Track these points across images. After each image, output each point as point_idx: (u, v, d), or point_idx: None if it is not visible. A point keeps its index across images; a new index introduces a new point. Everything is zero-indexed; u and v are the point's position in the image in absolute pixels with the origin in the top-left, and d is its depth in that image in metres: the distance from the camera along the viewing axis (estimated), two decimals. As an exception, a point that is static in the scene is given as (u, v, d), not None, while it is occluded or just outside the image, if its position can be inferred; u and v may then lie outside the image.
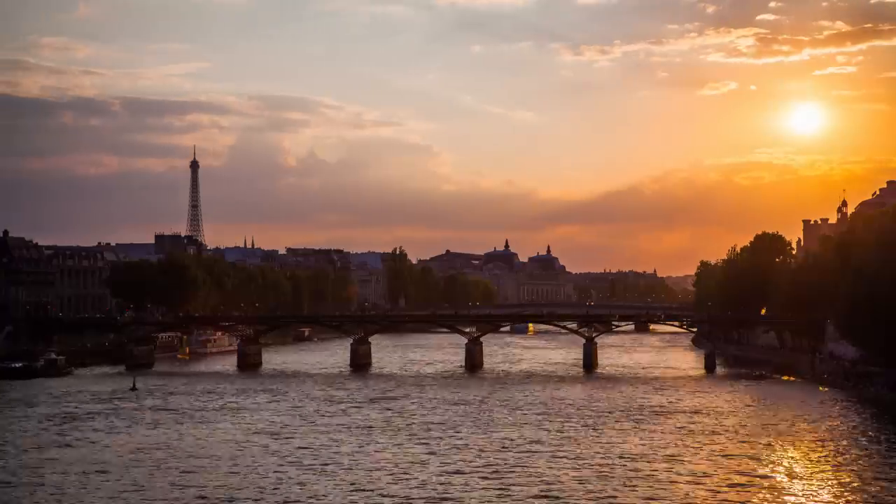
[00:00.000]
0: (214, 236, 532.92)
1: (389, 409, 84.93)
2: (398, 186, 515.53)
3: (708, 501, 49.56)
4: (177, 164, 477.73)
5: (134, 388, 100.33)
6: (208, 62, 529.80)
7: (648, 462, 59.21)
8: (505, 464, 58.42)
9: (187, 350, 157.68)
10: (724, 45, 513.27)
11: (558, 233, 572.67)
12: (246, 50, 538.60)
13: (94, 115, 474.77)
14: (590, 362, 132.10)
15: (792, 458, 61.57)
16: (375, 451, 63.17)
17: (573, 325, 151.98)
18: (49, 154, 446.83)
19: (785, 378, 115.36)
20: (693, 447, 64.78)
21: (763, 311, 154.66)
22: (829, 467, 58.32)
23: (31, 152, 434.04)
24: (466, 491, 51.19)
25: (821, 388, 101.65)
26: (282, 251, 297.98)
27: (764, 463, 59.60)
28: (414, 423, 76.37)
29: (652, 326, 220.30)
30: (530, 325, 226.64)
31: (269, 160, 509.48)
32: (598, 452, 62.41)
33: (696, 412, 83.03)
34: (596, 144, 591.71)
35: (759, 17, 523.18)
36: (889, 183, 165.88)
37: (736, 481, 53.85)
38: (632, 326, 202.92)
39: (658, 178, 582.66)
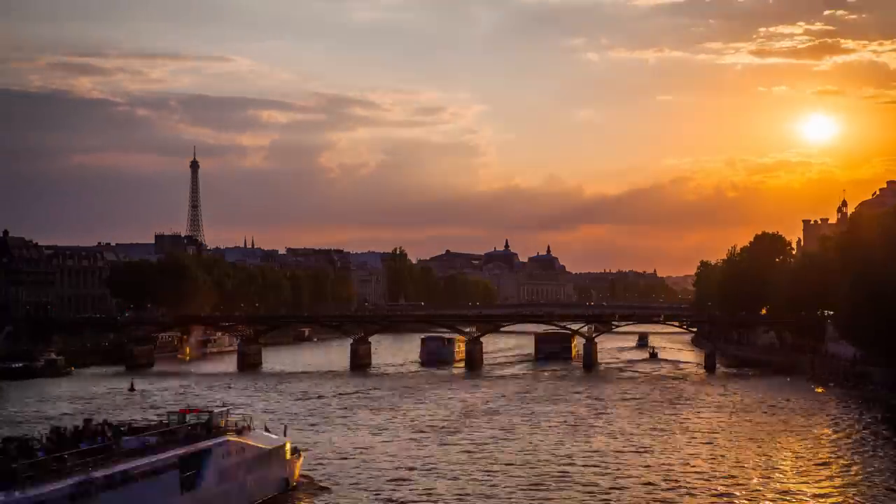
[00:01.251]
0: (244, 235, 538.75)
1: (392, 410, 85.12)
2: (439, 186, 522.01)
3: (706, 501, 49.55)
4: (230, 161, 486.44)
5: (132, 389, 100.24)
6: (269, 59, 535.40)
7: (649, 462, 59.23)
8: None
9: (188, 350, 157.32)
10: (782, 44, 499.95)
11: (595, 233, 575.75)
12: (308, 48, 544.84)
13: (150, 113, 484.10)
14: (590, 362, 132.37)
15: (790, 457, 61.50)
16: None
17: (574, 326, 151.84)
18: (97, 151, 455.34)
19: (784, 378, 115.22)
20: (691, 447, 64.78)
21: (763, 311, 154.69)
22: (827, 467, 58.28)
23: (85, 149, 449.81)
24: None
25: (819, 389, 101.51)
26: (282, 251, 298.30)
27: (762, 463, 59.54)
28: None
29: (652, 327, 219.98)
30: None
31: (314, 160, 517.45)
32: (598, 451, 62.44)
33: (696, 412, 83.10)
34: (640, 142, 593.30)
35: (826, 13, 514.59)
36: (889, 183, 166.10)
37: (733, 481, 53.81)
38: (632, 326, 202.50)
39: (689, 177, 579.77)
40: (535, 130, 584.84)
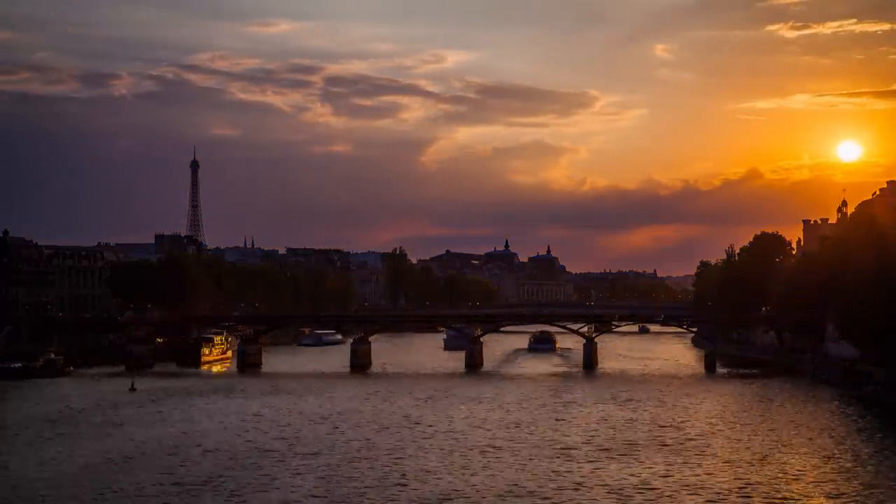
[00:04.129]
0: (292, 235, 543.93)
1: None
2: (502, 187, 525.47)
3: (705, 501, 49.59)
4: (338, 147, 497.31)
5: (133, 390, 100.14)
6: (405, 46, 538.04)
7: (650, 461, 59.28)
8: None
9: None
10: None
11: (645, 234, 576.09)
12: (452, 35, 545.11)
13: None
14: (590, 362, 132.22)
15: (788, 458, 61.47)
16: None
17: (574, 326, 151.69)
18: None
19: (784, 378, 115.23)
20: (690, 447, 64.80)
21: (763, 311, 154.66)
22: (825, 467, 58.28)
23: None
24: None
25: (815, 391, 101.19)
26: (282, 251, 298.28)
27: (761, 463, 59.55)
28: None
29: (652, 326, 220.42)
30: None
31: (415, 157, 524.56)
32: (595, 453, 62.52)
33: (695, 412, 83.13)
34: (719, 141, 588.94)
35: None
36: (889, 183, 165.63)
37: (733, 482, 53.83)
38: (631, 327, 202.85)
39: (757, 174, 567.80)
40: (635, 131, 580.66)
